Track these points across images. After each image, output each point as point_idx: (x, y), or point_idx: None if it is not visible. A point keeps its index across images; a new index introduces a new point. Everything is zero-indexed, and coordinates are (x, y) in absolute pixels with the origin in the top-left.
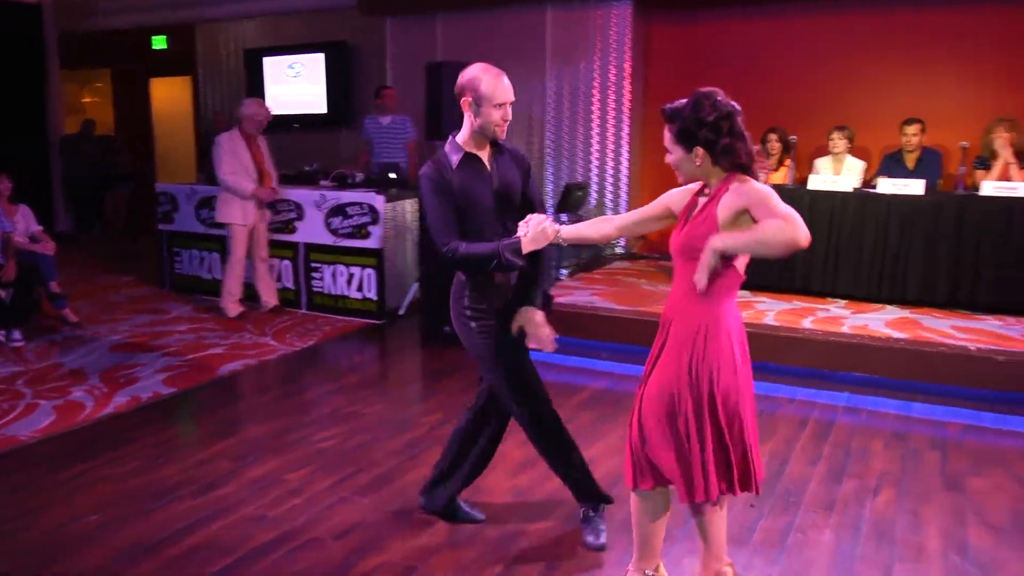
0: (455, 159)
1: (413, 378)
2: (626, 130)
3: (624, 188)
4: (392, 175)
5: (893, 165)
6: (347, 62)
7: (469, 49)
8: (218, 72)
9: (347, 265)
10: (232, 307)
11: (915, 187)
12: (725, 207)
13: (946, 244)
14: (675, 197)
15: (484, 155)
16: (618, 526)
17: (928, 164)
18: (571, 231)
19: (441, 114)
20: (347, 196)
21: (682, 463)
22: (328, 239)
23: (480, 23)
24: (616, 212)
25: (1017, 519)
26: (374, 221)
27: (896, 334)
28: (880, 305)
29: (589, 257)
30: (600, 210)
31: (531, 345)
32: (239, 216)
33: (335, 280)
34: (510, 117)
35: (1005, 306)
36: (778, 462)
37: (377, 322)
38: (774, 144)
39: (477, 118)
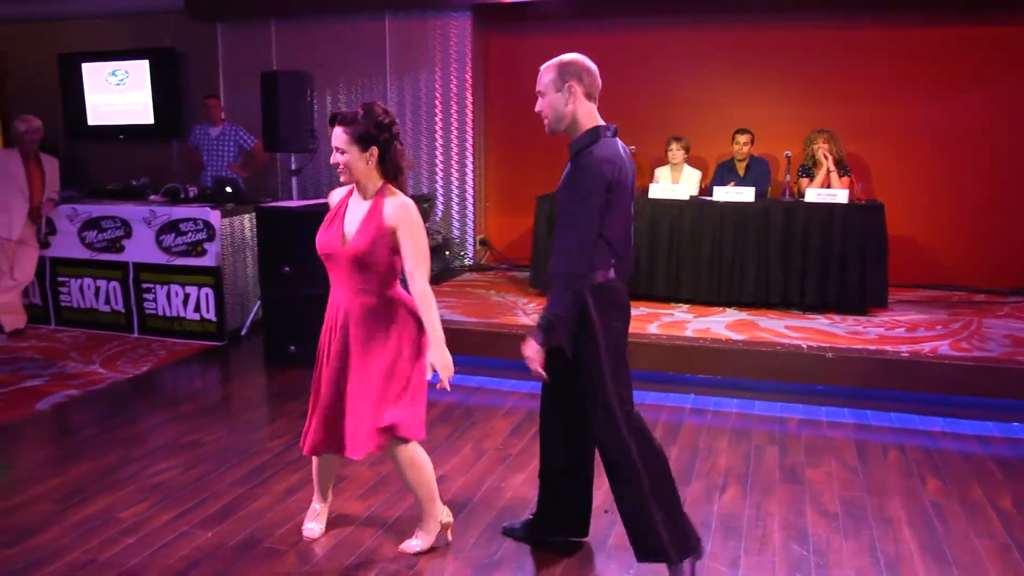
0: None
1: (257, 402)
2: (470, 141)
3: (470, 199)
4: (228, 189)
5: (726, 173)
6: (175, 70)
7: (307, 58)
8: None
9: (183, 285)
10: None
11: (747, 194)
12: (392, 219)
13: (776, 248)
14: (334, 197)
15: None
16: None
17: (757, 172)
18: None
19: (278, 126)
20: (180, 212)
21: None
22: (160, 258)
23: (316, 31)
24: (463, 224)
25: (847, 505)
26: (210, 238)
27: (735, 336)
28: (720, 308)
29: (439, 270)
30: (447, 222)
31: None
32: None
33: (170, 301)
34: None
35: (831, 305)
36: None
37: (218, 344)
38: None
39: None
